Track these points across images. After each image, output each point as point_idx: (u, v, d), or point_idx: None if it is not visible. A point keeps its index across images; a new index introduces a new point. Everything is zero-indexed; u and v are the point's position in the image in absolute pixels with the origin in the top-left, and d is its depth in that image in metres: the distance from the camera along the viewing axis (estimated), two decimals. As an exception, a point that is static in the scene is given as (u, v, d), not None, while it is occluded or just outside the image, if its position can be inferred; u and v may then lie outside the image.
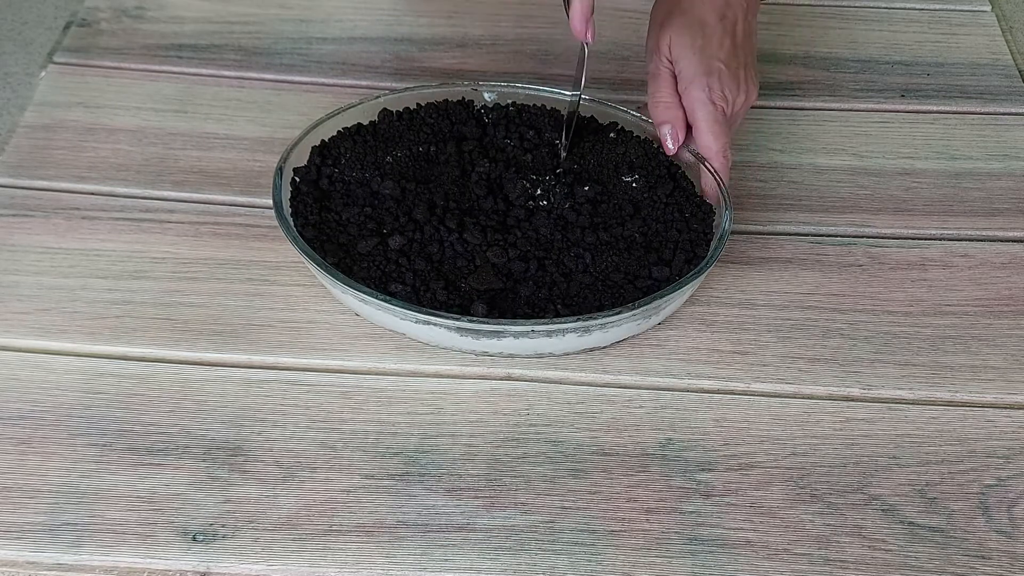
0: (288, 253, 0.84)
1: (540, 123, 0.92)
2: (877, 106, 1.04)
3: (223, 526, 0.69)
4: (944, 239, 0.91)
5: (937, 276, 0.88)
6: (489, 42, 1.09)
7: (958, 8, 1.16)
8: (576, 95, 0.88)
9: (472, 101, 0.94)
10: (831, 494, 0.73)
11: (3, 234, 0.87)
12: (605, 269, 0.81)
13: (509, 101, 0.94)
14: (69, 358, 0.79)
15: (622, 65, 1.06)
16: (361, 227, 0.83)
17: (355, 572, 0.68)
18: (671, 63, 0.88)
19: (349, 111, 0.91)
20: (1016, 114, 1.04)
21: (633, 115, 0.92)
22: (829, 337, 0.83)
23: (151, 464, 0.72)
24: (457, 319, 0.76)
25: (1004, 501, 0.73)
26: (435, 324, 0.77)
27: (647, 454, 0.75)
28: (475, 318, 0.76)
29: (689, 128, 0.88)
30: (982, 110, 1.04)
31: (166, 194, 0.91)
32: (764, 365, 0.80)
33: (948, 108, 1.04)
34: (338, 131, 0.90)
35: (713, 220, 0.85)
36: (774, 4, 1.14)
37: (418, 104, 0.93)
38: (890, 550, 0.70)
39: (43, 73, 1.03)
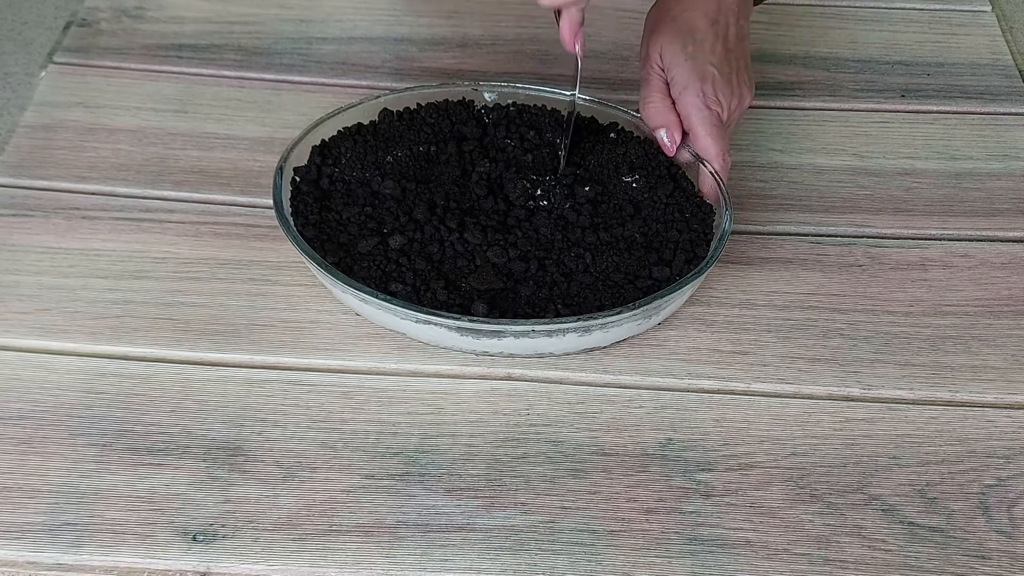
0: (289, 253, 0.84)
1: (540, 123, 0.92)
2: (877, 106, 1.04)
3: (223, 526, 0.69)
4: (944, 239, 0.91)
5: (937, 276, 0.88)
6: (489, 42, 1.09)
7: (958, 8, 1.16)
8: (572, 96, 0.87)
9: (472, 101, 0.94)
10: (831, 494, 0.73)
11: (3, 234, 0.87)
12: (605, 269, 0.81)
13: (509, 101, 0.94)
14: (70, 358, 0.79)
15: (622, 65, 1.06)
16: (361, 227, 0.83)
17: (355, 572, 0.68)
18: (663, 70, 0.88)
19: (349, 111, 0.91)
20: (1016, 114, 1.04)
21: (633, 115, 0.92)
22: (829, 337, 0.83)
23: (151, 464, 0.72)
24: (457, 319, 0.76)
25: (1004, 501, 0.73)
26: (435, 324, 0.77)
27: (647, 454, 0.75)
28: (475, 318, 0.76)
29: (686, 134, 0.88)
30: (982, 110, 1.04)
31: (166, 194, 0.91)
32: (764, 365, 0.80)
33: (948, 108, 1.04)
34: (338, 131, 0.90)
35: (713, 220, 0.85)
36: (774, 4, 1.14)
37: (418, 104, 0.93)
38: (890, 550, 0.70)
39: (43, 73, 1.03)
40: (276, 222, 0.82)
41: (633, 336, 0.81)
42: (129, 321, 0.81)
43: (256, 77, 1.03)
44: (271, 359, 0.79)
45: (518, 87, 0.95)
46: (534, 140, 0.91)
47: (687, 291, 0.80)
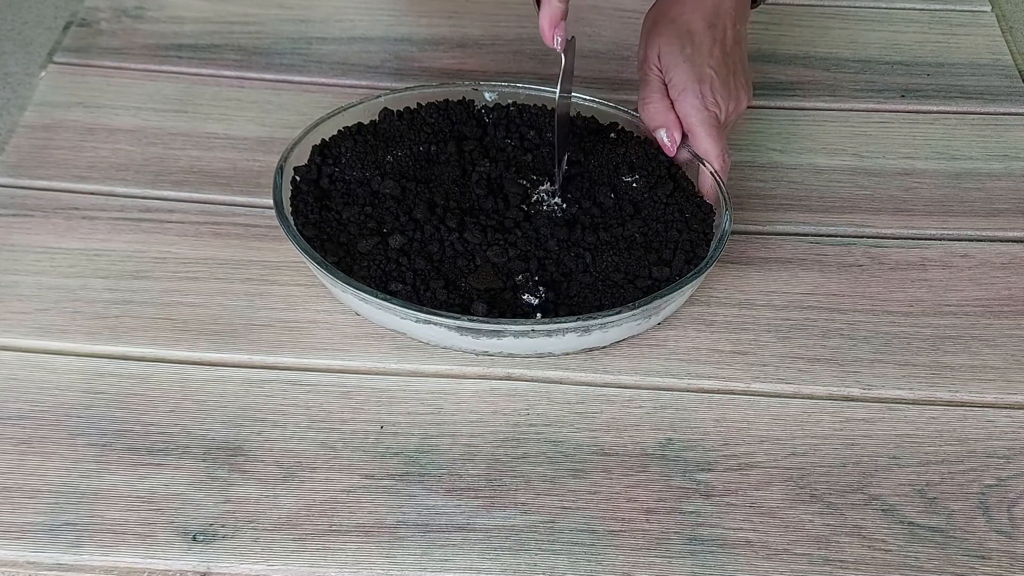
0: (288, 253, 0.84)
1: (540, 123, 0.92)
2: (877, 106, 1.04)
3: (223, 526, 0.69)
4: (944, 239, 0.91)
5: (937, 276, 0.88)
6: (489, 42, 1.09)
7: (958, 8, 1.16)
8: (556, 95, 0.86)
9: (472, 101, 0.94)
10: (831, 494, 0.73)
11: (3, 234, 0.87)
12: (605, 269, 0.81)
13: (509, 101, 0.94)
14: (69, 358, 0.79)
15: (622, 65, 1.06)
16: (361, 226, 0.83)
17: (355, 572, 0.68)
18: (661, 71, 0.88)
19: (350, 110, 0.91)
20: (1016, 114, 1.04)
21: (633, 115, 0.92)
22: (829, 337, 0.83)
23: (151, 464, 0.72)
24: (457, 318, 0.76)
25: (1004, 501, 0.73)
26: (435, 323, 0.77)
27: (647, 454, 0.75)
28: (475, 317, 0.76)
29: (685, 135, 0.88)
30: (982, 110, 1.04)
31: (166, 194, 0.91)
32: (764, 365, 0.80)
33: (948, 108, 1.04)
34: (339, 130, 0.90)
35: (713, 220, 0.85)
36: (774, 4, 1.14)
37: (419, 104, 0.93)
38: (890, 550, 0.70)
39: (43, 73, 1.03)
40: (275, 222, 0.82)
41: (633, 336, 0.81)
42: (128, 321, 0.81)
43: (256, 77, 1.03)
44: (270, 359, 0.79)
45: (518, 87, 0.95)
46: (534, 140, 0.91)
47: (687, 291, 0.80)
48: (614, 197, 0.86)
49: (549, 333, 0.77)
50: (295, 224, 0.82)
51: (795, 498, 0.72)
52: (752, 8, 0.95)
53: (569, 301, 0.79)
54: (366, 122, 0.91)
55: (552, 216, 0.85)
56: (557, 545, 0.69)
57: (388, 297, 0.77)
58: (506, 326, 0.76)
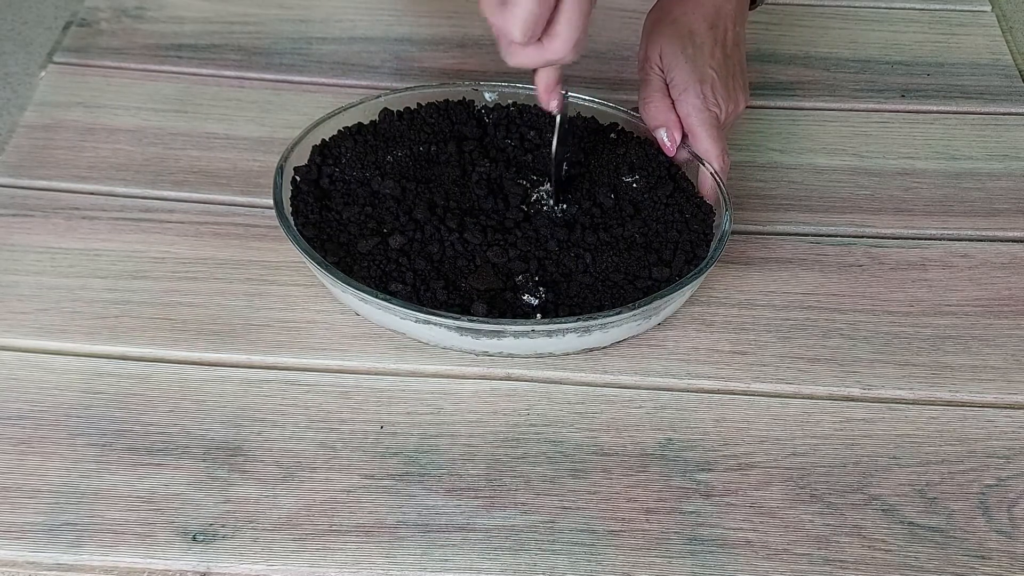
0: (288, 253, 0.84)
1: (541, 123, 0.92)
2: (877, 106, 1.04)
3: (223, 526, 0.69)
4: (944, 239, 0.91)
5: (937, 276, 0.88)
6: (489, 42, 1.08)
7: (958, 8, 1.16)
8: (552, 153, 0.86)
9: (473, 101, 0.94)
10: (831, 494, 0.73)
11: (3, 234, 0.87)
12: (605, 269, 0.81)
13: (510, 101, 0.94)
14: (69, 358, 0.79)
15: (622, 65, 1.06)
16: (361, 226, 0.83)
17: (355, 572, 0.68)
18: (662, 71, 0.88)
19: (350, 110, 0.91)
20: (1016, 114, 1.04)
21: (633, 115, 0.92)
22: (829, 337, 0.83)
23: (151, 464, 0.72)
24: (457, 319, 0.76)
25: (1004, 501, 0.73)
26: (435, 324, 0.77)
27: (647, 454, 0.75)
28: (475, 318, 0.76)
29: (684, 135, 0.88)
30: (982, 110, 1.04)
31: (166, 194, 0.91)
32: (764, 365, 0.80)
33: (948, 108, 1.04)
34: (339, 130, 0.90)
35: (713, 221, 0.85)
36: (774, 4, 1.14)
37: (419, 104, 0.93)
38: (890, 550, 0.70)
39: (43, 73, 1.03)
40: (275, 222, 0.82)
41: (633, 336, 0.81)
42: (128, 321, 0.81)
43: (256, 77, 1.03)
44: (269, 359, 0.79)
45: (518, 87, 0.95)
46: (534, 140, 0.91)
47: (687, 291, 0.80)
48: (614, 197, 0.86)
49: (549, 333, 0.77)
50: (295, 224, 0.82)
51: (795, 498, 0.72)
52: (750, 10, 0.95)
53: (569, 301, 0.79)
54: (366, 122, 0.91)
55: (552, 216, 0.85)
56: (557, 545, 0.69)
57: (388, 297, 0.77)
58: (506, 326, 0.76)
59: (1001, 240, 0.91)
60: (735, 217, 0.85)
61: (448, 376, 0.79)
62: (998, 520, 0.72)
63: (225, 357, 0.79)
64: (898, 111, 1.04)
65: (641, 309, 0.77)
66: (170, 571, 0.68)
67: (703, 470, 0.74)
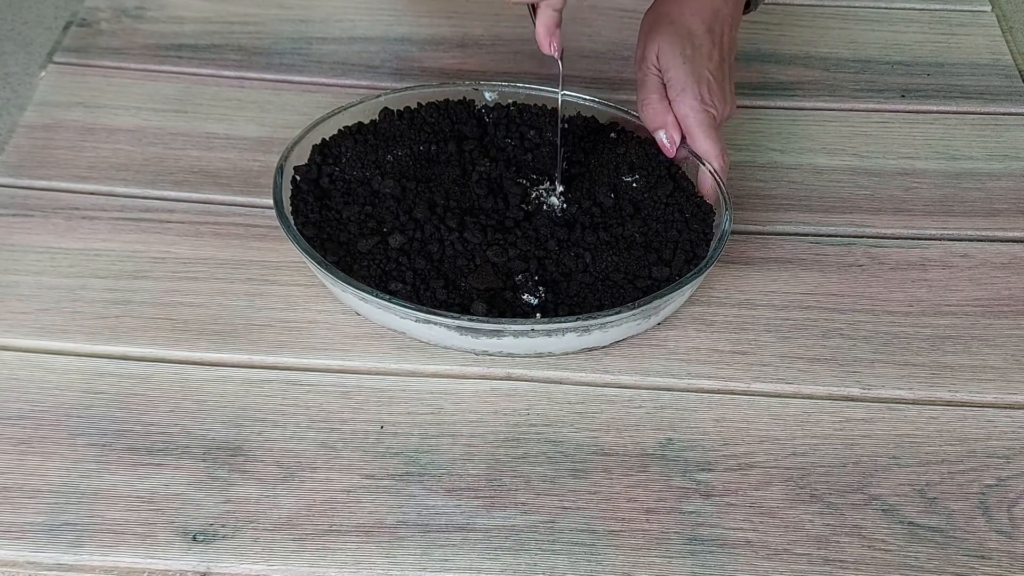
0: (288, 253, 0.84)
1: (541, 123, 0.92)
2: (877, 106, 1.04)
3: (223, 526, 0.69)
4: (944, 239, 0.91)
5: (937, 276, 0.88)
6: (489, 42, 1.09)
7: (958, 8, 1.16)
8: (559, 95, 0.87)
9: (473, 101, 0.94)
10: (831, 494, 0.73)
11: (3, 234, 0.87)
12: (605, 269, 0.81)
13: (510, 101, 0.94)
14: (69, 358, 0.79)
15: (622, 65, 1.06)
16: (361, 226, 0.83)
17: (355, 572, 0.68)
18: (660, 72, 0.88)
19: (350, 110, 0.91)
20: (1016, 114, 1.04)
21: (633, 115, 0.92)
22: (829, 337, 0.83)
23: (151, 464, 0.72)
24: (457, 318, 0.76)
25: (1004, 501, 0.73)
26: (435, 323, 0.77)
27: (647, 454, 0.75)
28: (475, 317, 0.76)
29: (683, 136, 0.88)
30: (982, 110, 1.04)
31: (166, 194, 0.91)
32: (764, 365, 0.80)
33: (948, 108, 1.04)
34: (339, 130, 0.90)
35: (713, 220, 0.85)
36: (774, 4, 1.14)
37: (419, 103, 0.93)
38: (890, 550, 0.70)
39: (43, 73, 1.03)
40: (275, 222, 0.82)
41: (633, 336, 0.81)
42: (128, 321, 0.81)
43: (256, 77, 1.03)
44: (270, 359, 0.79)
45: (519, 87, 0.95)
46: (534, 140, 0.91)
47: (686, 291, 0.80)
48: (614, 197, 0.86)
49: (549, 333, 0.77)
50: (295, 223, 0.82)
51: (795, 498, 0.72)
52: (744, 14, 0.95)
53: (569, 301, 0.79)
54: (366, 121, 0.91)
55: (552, 216, 0.85)
56: (557, 545, 0.69)
57: (388, 297, 0.77)
58: (505, 326, 0.76)
59: (1001, 240, 0.91)
60: (735, 217, 0.85)
61: (448, 376, 0.79)
62: (998, 520, 0.72)
63: (226, 357, 0.79)
64: (898, 111, 1.04)
65: (640, 309, 0.77)
66: (170, 571, 0.68)
67: (703, 470, 0.74)
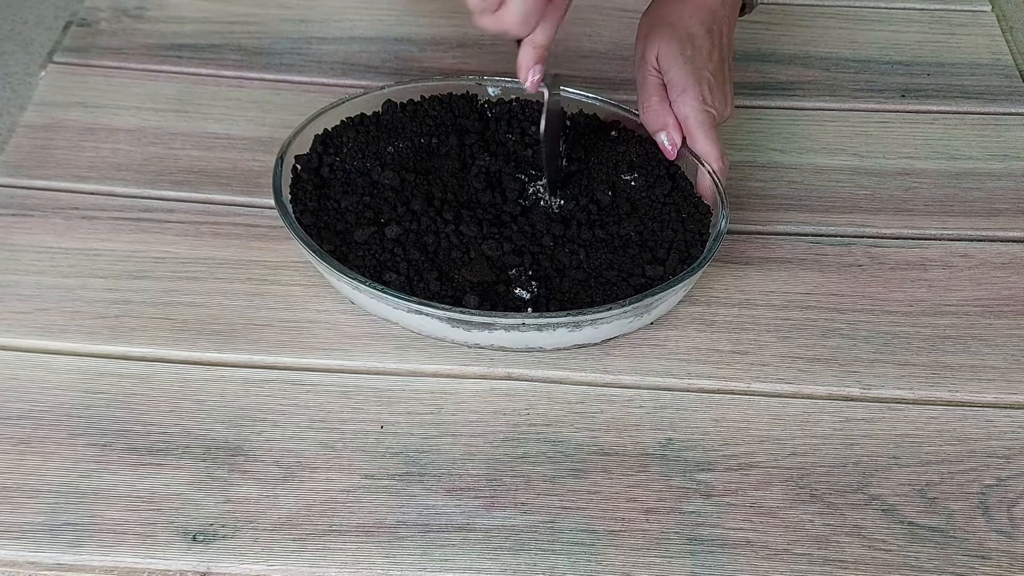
0: (288, 253, 0.84)
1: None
2: (877, 106, 1.04)
3: (223, 526, 0.69)
4: (944, 239, 0.91)
5: (937, 276, 0.88)
6: (489, 42, 1.09)
7: (958, 8, 1.16)
8: (540, 133, 0.87)
9: (476, 95, 0.94)
10: (831, 494, 0.73)
11: (3, 234, 0.87)
12: (599, 266, 0.81)
13: (513, 96, 0.94)
14: (69, 358, 0.79)
15: (622, 65, 1.06)
16: (359, 216, 0.83)
17: (355, 572, 0.68)
18: (659, 73, 0.88)
19: (353, 101, 0.91)
20: (1016, 114, 1.04)
21: (633, 115, 0.92)
22: (829, 337, 0.83)
23: (151, 464, 0.72)
24: (448, 310, 0.76)
25: (1004, 501, 0.73)
26: (427, 314, 0.77)
27: (647, 454, 0.75)
28: (466, 309, 0.76)
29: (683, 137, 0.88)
30: (982, 110, 1.04)
31: (166, 194, 0.91)
32: (764, 365, 0.80)
33: (948, 108, 1.04)
34: (341, 120, 0.90)
35: (710, 220, 0.85)
36: (774, 4, 1.14)
37: (422, 96, 0.93)
38: (890, 550, 0.70)
39: (43, 73, 1.03)
40: (276, 222, 0.82)
41: (632, 335, 0.81)
42: (128, 321, 0.81)
43: (256, 77, 1.03)
44: (270, 359, 0.79)
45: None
46: (535, 136, 0.91)
47: (679, 290, 0.80)
48: (612, 195, 0.86)
49: (539, 327, 0.77)
50: (293, 212, 0.82)
51: (795, 498, 0.72)
52: (740, 16, 0.95)
53: (561, 297, 0.79)
54: (369, 113, 0.91)
55: (549, 212, 0.85)
56: (557, 545, 0.69)
57: (381, 287, 0.77)
58: (496, 319, 0.76)
59: (1001, 240, 0.91)
60: (735, 217, 0.85)
61: (448, 376, 0.79)
62: (998, 520, 0.72)
63: (226, 357, 0.79)
64: (898, 111, 1.04)
65: (632, 306, 0.77)
66: (170, 571, 0.68)
67: (703, 470, 0.74)
